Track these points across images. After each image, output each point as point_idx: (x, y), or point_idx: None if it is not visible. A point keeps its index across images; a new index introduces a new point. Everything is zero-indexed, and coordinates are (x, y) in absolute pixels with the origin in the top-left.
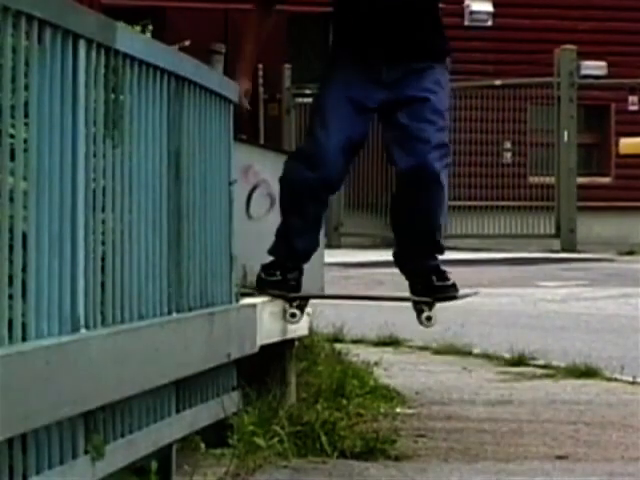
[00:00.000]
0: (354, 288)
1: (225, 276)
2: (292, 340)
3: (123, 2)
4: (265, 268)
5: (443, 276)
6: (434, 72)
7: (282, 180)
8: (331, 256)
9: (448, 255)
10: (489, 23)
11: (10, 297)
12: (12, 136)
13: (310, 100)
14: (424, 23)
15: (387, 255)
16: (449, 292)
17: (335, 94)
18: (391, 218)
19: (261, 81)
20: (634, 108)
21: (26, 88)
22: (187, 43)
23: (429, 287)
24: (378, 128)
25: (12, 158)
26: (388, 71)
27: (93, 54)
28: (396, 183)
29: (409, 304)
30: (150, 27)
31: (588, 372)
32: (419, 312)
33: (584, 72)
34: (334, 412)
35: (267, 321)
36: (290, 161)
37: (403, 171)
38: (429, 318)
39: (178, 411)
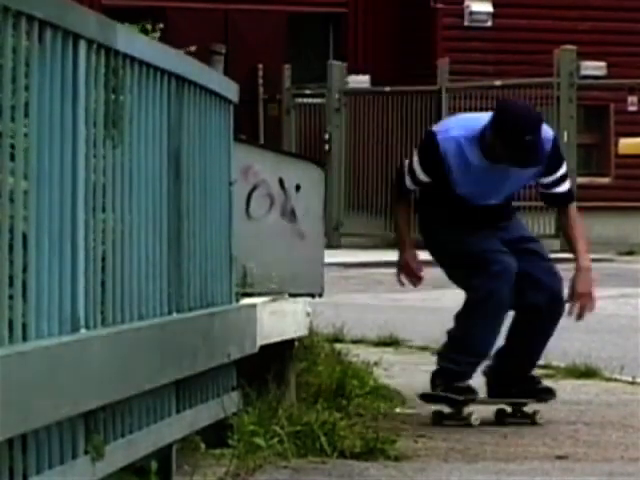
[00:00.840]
0: (354, 288)
1: (225, 276)
2: (292, 340)
3: (123, 2)
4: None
5: (539, 380)
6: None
7: (485, 305)
8: (331, 256)
9: None
10: (489, 23)
11: (10, 297)
12: (12, 136)
13: (310, 100)
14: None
15: (387, 255)
16: (551, 393)
17: (482, 238)
18: (510, 341)
19: (261, 81)
20: (633, 108)
21: (26, 88)
22: (193, 49)
23: (534, 390)
24: (377, 119)
25: (12, 158)
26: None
27: (93, 54)
28: (523, 317)
29: (410, 306)
30: (161, 26)
31: (588, 372)
32: (517, 411)
33: (584, 72)
34: (334, 412)
35: (267, 321)
36: (487, 290)
37: (542, 307)
38: (536, 412)
39: (178, 411)
